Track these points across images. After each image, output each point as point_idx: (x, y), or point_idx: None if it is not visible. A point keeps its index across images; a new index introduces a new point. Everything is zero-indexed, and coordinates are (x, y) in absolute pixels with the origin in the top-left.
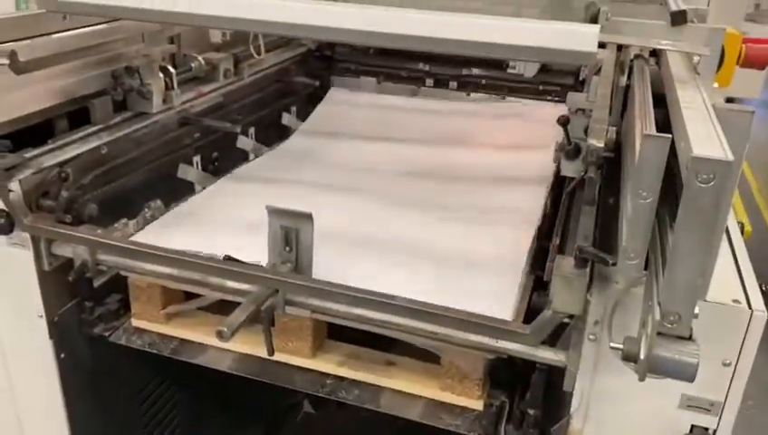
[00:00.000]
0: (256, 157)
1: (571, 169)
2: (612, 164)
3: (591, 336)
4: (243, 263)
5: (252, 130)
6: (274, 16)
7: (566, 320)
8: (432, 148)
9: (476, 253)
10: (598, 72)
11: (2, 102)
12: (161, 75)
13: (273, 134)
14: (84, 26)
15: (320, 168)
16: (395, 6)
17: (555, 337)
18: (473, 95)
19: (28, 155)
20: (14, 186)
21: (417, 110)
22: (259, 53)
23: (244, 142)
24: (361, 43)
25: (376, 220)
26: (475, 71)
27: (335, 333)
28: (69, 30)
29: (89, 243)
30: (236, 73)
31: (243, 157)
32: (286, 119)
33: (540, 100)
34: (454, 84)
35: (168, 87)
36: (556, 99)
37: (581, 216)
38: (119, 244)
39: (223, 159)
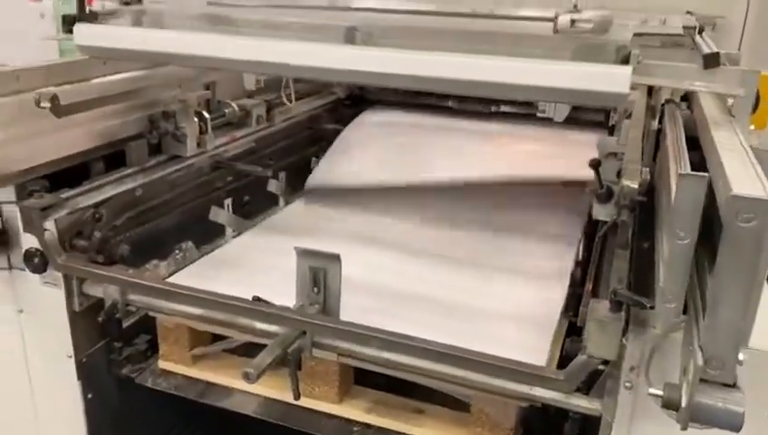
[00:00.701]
0: (286, 201)
1: (603, 213)
2: (645, 208)
3: (627, 383)
4: (271, 304)
5: (282, 175)
6: (309, 61)
7: (601, 367)
8: (463, 196)
9: (508, 299)
10: (628, 117)
11: (44, 144)
12: (196, 120)
13: (303, 179)
14: (123, 72)
15: (344, 220)
16: (424, 50)
17: (590, 385)
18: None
19: (64, 195)
20: (50, 225)
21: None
22: (291, 101)
23: (275, 186)
24: (391, 86)
25: (405, 270)
26: (504, 109)
27: (361, 379)
28: (108, 75)
29: (121, 283)
30: (268, 120)
31: (273, 200)
32: (315, 164)
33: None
34: None
35: (203, 131)
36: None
37: (615, 259)
38: (151, 284)
39: (253, 203)
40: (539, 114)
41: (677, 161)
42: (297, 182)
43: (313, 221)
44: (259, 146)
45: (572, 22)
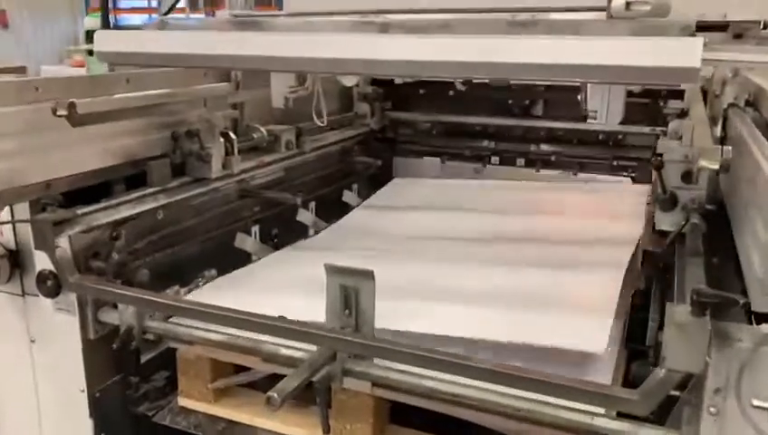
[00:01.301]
0: (316, 232)
1: (666, 222)
2: (714, 220)
3: (712, 409)
4: (297, 321)
5: (312, 205)
6: (344, 53)
7: (675, 393)
8: (504, 217)
9: (559, 319)
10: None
11: (61, 158)
12: (222, 140)
13: (334, 210)
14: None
15: (383, 236)
16: (470, 35)
17: (663, 416)
18: (543, 172)
19: (80, 211)
20: (63, 242)
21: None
22: (322, 117)
23: (305, 216)
24: (436, 75)
25: (444, 278)
26: (544, 147)
27: (396, 418)
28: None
29: (137, 302)
30: (298, 146)
31: (302, 232)
32: (347, 196)
33: (614, 175)
34: (521, 161)
35: (229, 153)
36: (632, 174)
37: (688, 266)
38: (167, 301)
39: (282, 235)
40: (590, 120)
41: (761, 147)
42: (327, 213)
43: (345, 244)
44: (289, 174)
45: (628, 5)
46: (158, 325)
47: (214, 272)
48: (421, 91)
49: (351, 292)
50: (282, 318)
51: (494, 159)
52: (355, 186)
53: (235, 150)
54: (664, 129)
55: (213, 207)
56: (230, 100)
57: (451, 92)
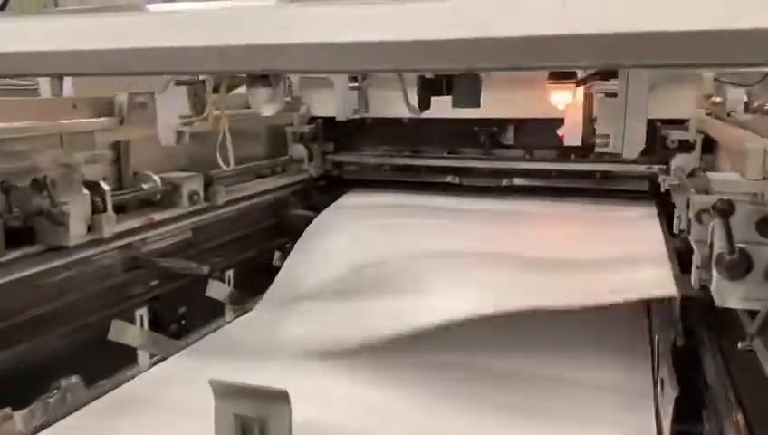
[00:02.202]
0: (235, 311)
1: (735, 297)
2: None
3: None
4: None
5: (229, 274)
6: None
7: None
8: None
9: None
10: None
11: None
12: (86, 193)
13: (261, 279)
14: None
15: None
16: None
17: None
18: None
19: None
20: None
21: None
22: (228, 164)
23: (218, 290)
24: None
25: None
26: (517, 181)
27: None
28: None
29: None
30: (207, 198)
31: (219, 310)
32: (279, 260)
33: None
34: None
35: (98, 210)
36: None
37: None
38: None
39: (192, 316)
40: (598, 148)
41: None
42: (252, 284)
43: (268, 340)
44: (196, 236)
45: None
46: None
47: (75, 380)
48: (368, 127)
49: (254, 425)
50: None
51: None
52: (289, 246)
53: (108, 206)
54: (662, 165)
55: (76, 286)
56: (109, 138)
57: (405, 121)
